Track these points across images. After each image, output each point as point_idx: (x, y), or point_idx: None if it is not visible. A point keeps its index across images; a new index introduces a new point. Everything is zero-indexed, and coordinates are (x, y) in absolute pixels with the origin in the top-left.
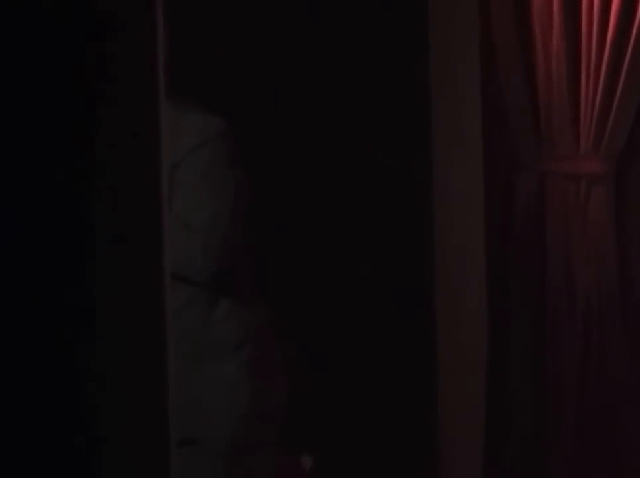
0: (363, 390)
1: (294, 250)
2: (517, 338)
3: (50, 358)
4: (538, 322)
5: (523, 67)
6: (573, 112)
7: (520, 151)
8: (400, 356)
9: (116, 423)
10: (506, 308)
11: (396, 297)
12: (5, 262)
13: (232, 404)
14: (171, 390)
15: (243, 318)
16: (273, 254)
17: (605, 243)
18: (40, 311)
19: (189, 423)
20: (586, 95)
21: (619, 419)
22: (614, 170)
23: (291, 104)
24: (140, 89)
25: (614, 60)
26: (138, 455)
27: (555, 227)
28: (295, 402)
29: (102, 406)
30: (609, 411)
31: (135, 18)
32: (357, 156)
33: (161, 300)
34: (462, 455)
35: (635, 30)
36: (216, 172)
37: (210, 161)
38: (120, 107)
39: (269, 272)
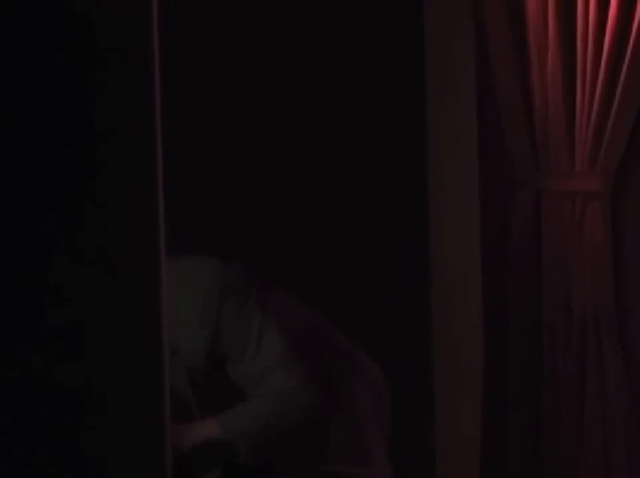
0: None
1: (288, 265)
2: (514, 355)
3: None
4: (534, 339)
5: (519, 85)
6: (569, 130)
7: (516, 169)
8: (395, 376)
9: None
10: (503, 325)
11: (392, 316)
12: None
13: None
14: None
15: None
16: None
17: (601, 260)
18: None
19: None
20: (581, 113)
21: (616, 436)
22: (610, 188)
23: (283, 122)
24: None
25: (609, 77)
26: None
27: (551, 245)
28: None
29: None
30: (606, 428)
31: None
32: (352, 175)
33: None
34: None
35: (630, 48)
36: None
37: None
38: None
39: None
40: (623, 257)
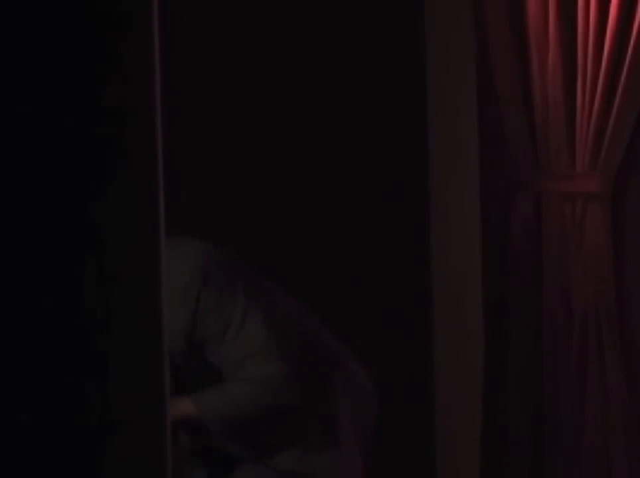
0: None
1: (287, 264)
2: (514, 357)
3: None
4: (535, 341)
5: (519, 86)
6: (570, 131)
7: (516, 171)
8: (395, 376)
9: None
10: (504, 327)
11: (393, 317)
12: None
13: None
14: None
15: None
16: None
17: (601, 261)
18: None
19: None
20: (582, 114)
21: (617, 436)
22: (610, 189)
23: (284, 123)
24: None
25: (610, 78)
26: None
27: (551, 245)
28: None
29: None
30: (606, 427)
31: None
32: (353, 176)
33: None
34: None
35: (630, 48)
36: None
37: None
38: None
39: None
40: (623, 258)
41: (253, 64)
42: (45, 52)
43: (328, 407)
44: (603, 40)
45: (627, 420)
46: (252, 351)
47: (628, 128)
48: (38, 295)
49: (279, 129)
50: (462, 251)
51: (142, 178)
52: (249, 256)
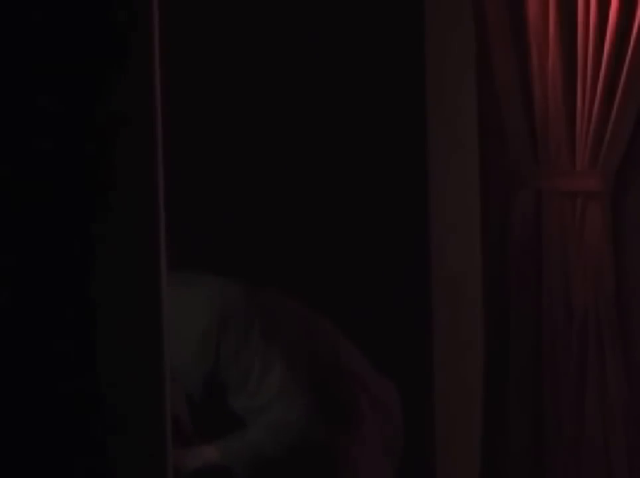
0: None
1: (285, 264)
2: (514, 355)
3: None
4: (535, 339)
5: (520, 85)
6: (570, 129)
7: (516, 169)
8: (395, 376)
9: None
10: (504, 325)
11: (392, 315)
12: None
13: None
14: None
15: None
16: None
17: (601, 260)
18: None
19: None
20: (582, 113)
21: (617, 436)
22: (610, 188)
23: (284, 123)
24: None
25: (610, 77)
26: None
27: (551, 244)
28: None
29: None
30: (606, 428)
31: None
32: (352, 176)
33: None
34: None
35: (630, 48)
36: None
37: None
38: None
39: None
40: (623, 257)
41: (253, 62)
42: (43, 63)
43: (355, 440)
44: (603, 39)
45: (627, 420)
46: (274, 396)
47: (628, 127)
48: (39, 313)
49: (280, 130)
50: (462, 250)
51: (141, 184)
52: (249, 256)
